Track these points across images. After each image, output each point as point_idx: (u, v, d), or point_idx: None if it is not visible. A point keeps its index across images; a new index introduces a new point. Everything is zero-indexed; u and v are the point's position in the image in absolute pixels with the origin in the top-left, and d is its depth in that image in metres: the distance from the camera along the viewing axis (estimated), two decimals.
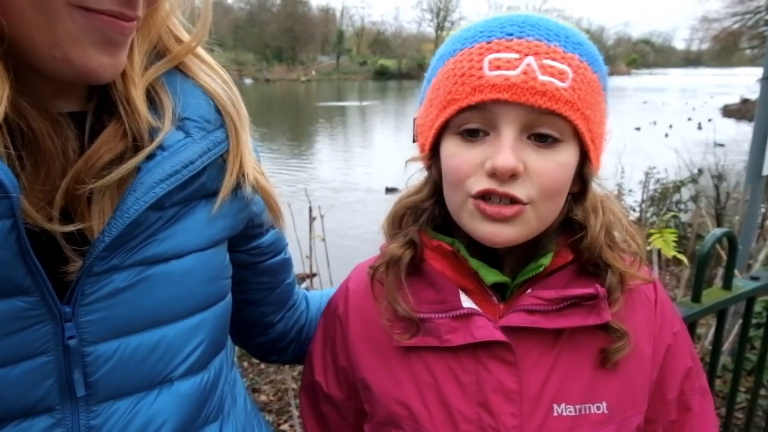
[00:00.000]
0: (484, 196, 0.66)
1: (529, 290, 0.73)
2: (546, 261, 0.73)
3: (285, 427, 2.90)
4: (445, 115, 0.68)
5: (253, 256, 0.84)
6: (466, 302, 0.74)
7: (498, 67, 0.64)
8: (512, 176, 0.64)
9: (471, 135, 0.68)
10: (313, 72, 70.26)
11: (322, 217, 2.99)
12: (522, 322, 0.71)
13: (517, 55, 0.64)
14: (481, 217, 0.67)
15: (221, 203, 0.69)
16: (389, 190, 10.15)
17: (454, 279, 0.75)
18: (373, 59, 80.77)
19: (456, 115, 0.68)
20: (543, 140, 0.66)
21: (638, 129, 15.59)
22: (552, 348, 0.72)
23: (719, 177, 5.20)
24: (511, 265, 0.75)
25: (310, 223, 2.50)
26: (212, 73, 0.72)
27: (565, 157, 0.67)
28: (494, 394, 0.71)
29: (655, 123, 15.99)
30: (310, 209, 2.53)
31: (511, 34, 0.66)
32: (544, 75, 0.64)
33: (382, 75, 67.43)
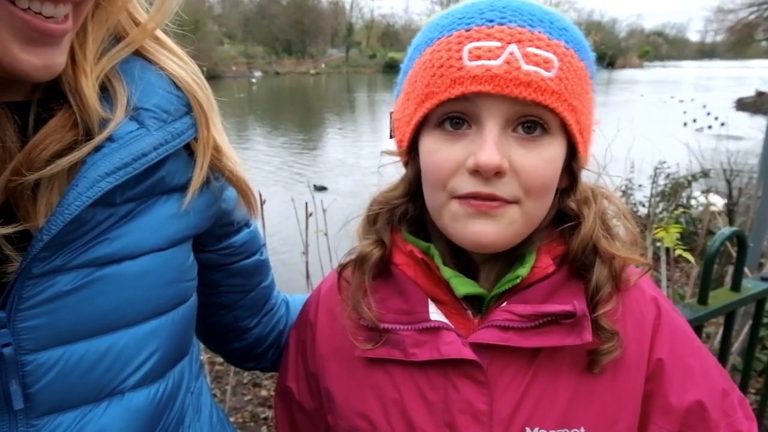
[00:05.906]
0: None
1: (504, 303, 0.67)
2: (524, 272, 0.66)
3: None
4: (423, 110, 0.64)
5: (224, 256, 0.79)
6: (435, 314, 0.68)
7: (479, 57, 0.60)
8: (497, 174, 0.60)
9: (453, 126, 0.63)
10: (323, 65, 70.09)
11: (324, 211, 2.94)
12: (493, 339, 0.65)
13: (498, 44, 0.60)
14: (465, 217, 0.63)
15: (192, 198, 0.64)
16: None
17: (426, 288, 0.70)
18: (382, 52, 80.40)
19: (435, 109, 0.63)
20: (529, 132, 0.62)
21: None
22: (528, 367, 0.67)
23: (724, 172, 5.08)
24: (491, 274, 0.70)
25: (306, 219, 2.46)
26: (177, 59, 0.67)
27: (552, 151, 0.63)
28: (462, 414, 0.66)
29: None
30: (306, 204, 2.48)
31: (491, 21, 0.61)
32: (529, 64, 0.59)
33: (391, 68, 67.00)
